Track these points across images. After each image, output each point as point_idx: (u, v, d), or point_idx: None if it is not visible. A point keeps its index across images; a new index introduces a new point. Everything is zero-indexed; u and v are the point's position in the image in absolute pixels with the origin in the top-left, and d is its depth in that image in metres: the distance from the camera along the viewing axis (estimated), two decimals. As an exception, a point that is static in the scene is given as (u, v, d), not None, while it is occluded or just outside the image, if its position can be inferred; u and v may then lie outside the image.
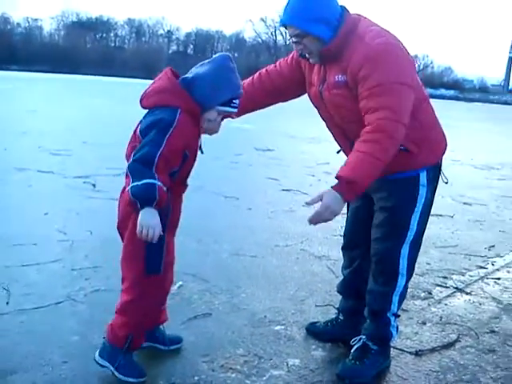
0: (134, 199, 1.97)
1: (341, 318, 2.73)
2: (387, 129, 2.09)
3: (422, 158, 2.29)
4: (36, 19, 67.33)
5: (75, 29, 68.30)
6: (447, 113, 24.28)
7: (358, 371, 2.43)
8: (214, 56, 2.15)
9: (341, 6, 2.21)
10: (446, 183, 2.46)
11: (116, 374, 2.25)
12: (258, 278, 3.48)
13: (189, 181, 2.26)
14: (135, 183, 1.96)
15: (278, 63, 2.58)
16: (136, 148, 2.04)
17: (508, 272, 3.99)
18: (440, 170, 2.42)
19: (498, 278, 3.83)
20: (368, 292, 2.48)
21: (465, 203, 6.22)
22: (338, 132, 2.42)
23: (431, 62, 77.59)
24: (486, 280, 3.79)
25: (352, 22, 2.19)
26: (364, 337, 2.50)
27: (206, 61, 2.14)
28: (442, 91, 59.01)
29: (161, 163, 1.99)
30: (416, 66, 2.37)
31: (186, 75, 2.12)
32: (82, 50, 61.89)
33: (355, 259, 2.59)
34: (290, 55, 2.52)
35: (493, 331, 3.00)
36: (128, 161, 2.07)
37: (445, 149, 2.44)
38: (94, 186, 5.65)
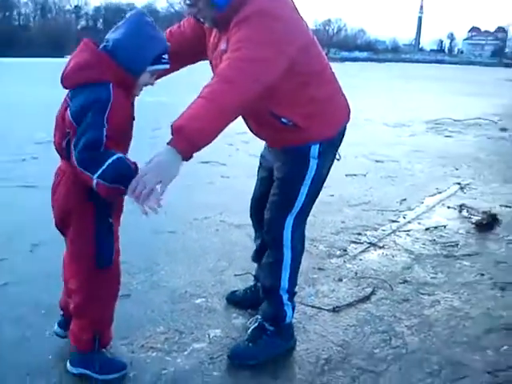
0: (112, 186, 1.78)
1: (259, 284, 2.75)
2: (226, 74, 1.92)
3: (313, 131, 2.19)
4: None
5: (-27, 9, 63.93)
6: (361, 74, 24.90)
7: (250, 352, 2.36)
8: (126, 15, 1.96)
9: None
10: (338, 160, 2.40)
11: (98, 377, 2.12)
12: (178, 254, 3.45)
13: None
14: (100, 170, 1.76)
15: (182, 23, 2.43)
16: (75, 136, 1.83)
17: (419, 223, 4.17)
18: (339, 143, 2.35)
19: (409, 230, 4.00)
20: (261, 267, 2.46)
21: (377, 161, 6.40)
22: None
23: (344, 25, 79.02)
24: (397, 233, 3.95)
25: None
26: (260, 317, 2.45)
27: (121, 22, 1.95)
28: (357, 53, 60.39)
29: (109, 144, 1.82)
30: (311, 35, 2.22)
31: (104, 44, 1.92)
32: (-18, 32, 58.08)
33: (260, 228, 2.55)
34: None
35: (406, 281, 3.13)
36: (60, 150, 1.87)
37: (345, 122, 2.35)
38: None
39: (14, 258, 3.22)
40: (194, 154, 1.86)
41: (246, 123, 2.32)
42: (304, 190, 2.26)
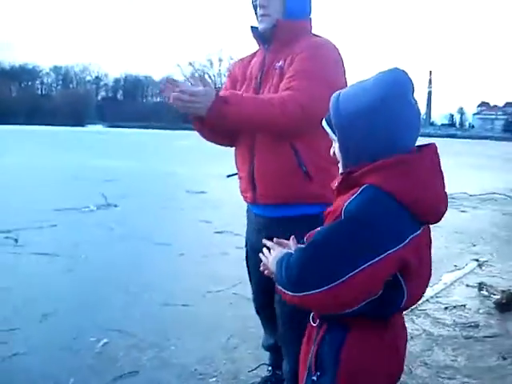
0: None
1: (278, 372, 2.56)
2: (288, 105, 1.99)
3: (317, 187, 2.05)
4: (-45, 69, 65.35)
5: (-1, 78, 66.64)
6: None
7: None
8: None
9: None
10: None
11: None
12: (189, 328, 3.36)
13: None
14: None
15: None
16: None
17: (437, 302, 4.05)
18: None
19: (428, 310, 3.88)
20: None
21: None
22: (246, 144, 2.20)
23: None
24: (416, 312, 3.82)
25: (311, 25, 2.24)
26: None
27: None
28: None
29: None
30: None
31: None
32: (7, 100, 60.50)
33: (272, 326, 2.39)
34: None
35: (425, 364, 3.00)
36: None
37: None
38: (16, 240, 5.35)
39: (24, 327, 3.17)
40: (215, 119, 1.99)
41: (251, 161, 2.17)
42: None
